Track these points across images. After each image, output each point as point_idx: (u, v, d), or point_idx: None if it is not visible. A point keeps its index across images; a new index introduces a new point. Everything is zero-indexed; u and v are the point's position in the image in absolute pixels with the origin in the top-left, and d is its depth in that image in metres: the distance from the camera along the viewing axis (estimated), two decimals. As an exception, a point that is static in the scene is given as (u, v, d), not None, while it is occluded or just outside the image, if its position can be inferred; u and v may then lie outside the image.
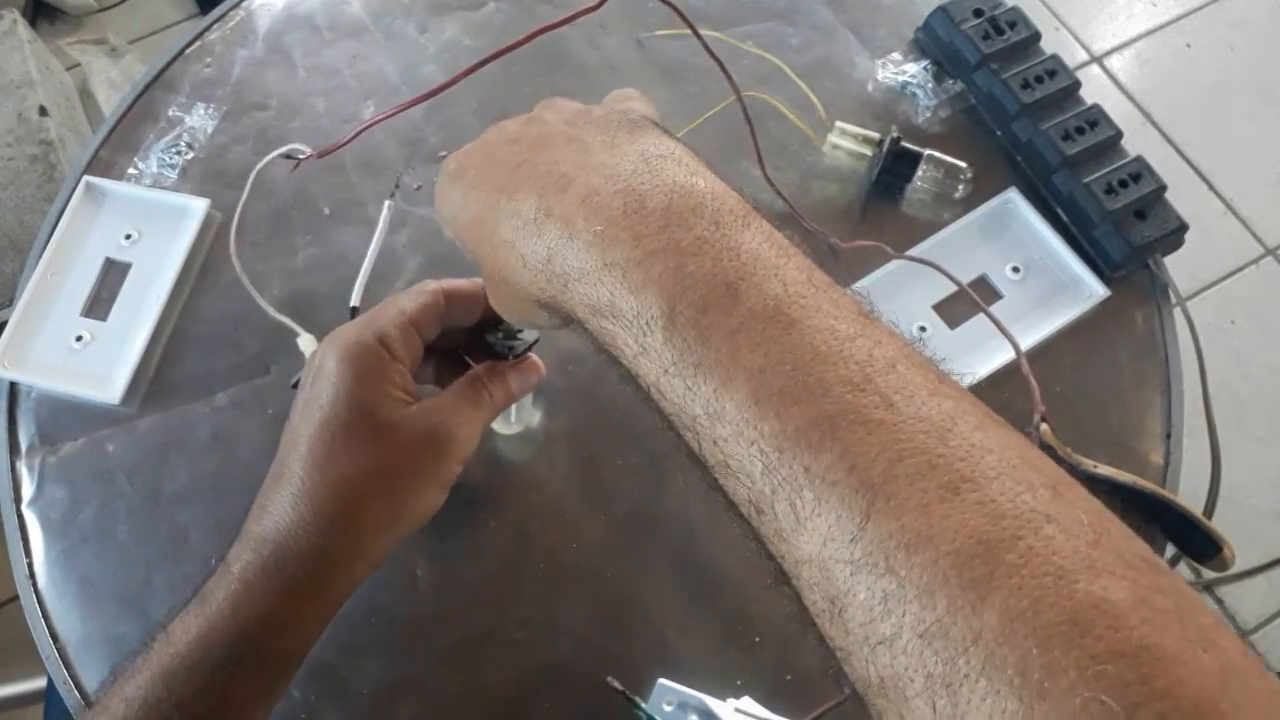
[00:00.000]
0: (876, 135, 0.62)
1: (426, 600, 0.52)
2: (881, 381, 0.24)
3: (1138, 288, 0.61)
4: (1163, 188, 0.60)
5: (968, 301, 0.56)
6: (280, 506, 0.38)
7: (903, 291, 0.59)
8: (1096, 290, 0.59)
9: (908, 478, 0.22)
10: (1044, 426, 0.50)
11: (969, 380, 0.55)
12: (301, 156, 0.55)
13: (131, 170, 0.63)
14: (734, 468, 0.25)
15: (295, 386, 0.42)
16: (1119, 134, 0.61)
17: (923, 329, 0.58)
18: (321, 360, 0.40)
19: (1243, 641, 0.21)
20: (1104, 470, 0.51)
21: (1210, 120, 1.57)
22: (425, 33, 0.68)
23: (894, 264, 0.59)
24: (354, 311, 0.50)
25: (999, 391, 0.55)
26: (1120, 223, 0.58)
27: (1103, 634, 0.19)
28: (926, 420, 0.23)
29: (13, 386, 0.57)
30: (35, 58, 1.29)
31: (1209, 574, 1.21)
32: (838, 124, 0.63)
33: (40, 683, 0.94)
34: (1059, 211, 0.62)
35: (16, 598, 0.52)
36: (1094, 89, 1.56)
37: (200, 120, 0.65)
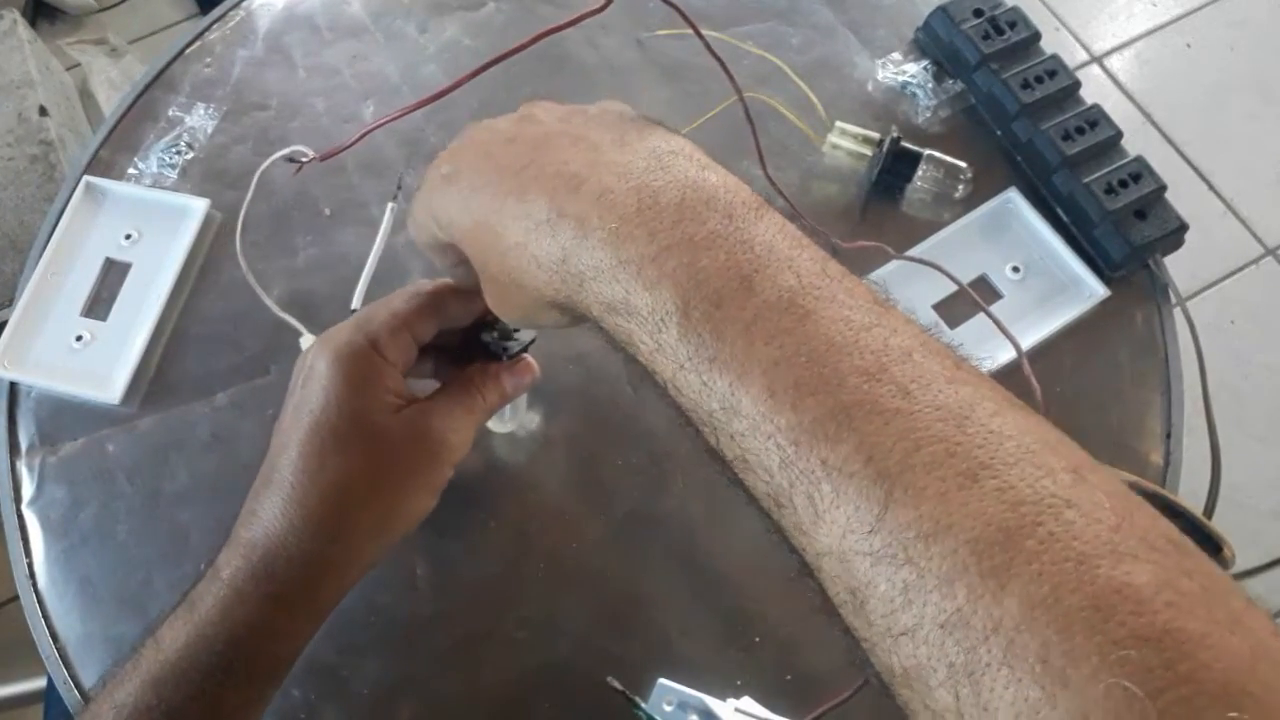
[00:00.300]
0: (876, 135, 0.62)
1: (426, 600, 0.52)
2: (898, 370, 0.24)
3: (1138, 288, 0.61)
4: (1163, 188, 0.60)
5: (968, 301, 0.56)
6: (270, 512, 0.38)
7: (903, 291, 0.58)
8: (1096, 290, 0.59)
9: (925, 466, 0.22)
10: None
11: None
12: (304, 159, 0.55)
13: (131, 170, 0.63)
14: (752, 462, 0.25)
15: None
16: (1119, 134, 0.61)
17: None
18: (312, 362, 0.40)
19: (1275, 622, 0.21)
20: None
21: (1210, 120, 1.57)
22: (425, 33, 0.68)
23: (894, 264, 0.59)
24: (354, 314, 0.50)
25: (999, 391, 0.55)
26: (1120, 223, 0.58)
27: (1125, 619, 0.19)
28: (944, 408, 0.23)
29: (13, 386, 0.57)
30: (35, 58, 1.29)
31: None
32: (838, 124, 0.63)
33: (40, 683, 0.94)
34: (1059, 211, 0.62)
35: (16, 598, 0.52)
36: (1094, 89, 1.56)
37: (200, 120, 0.65)
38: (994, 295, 0.59)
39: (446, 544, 0.53)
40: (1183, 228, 0.59)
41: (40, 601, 0.52)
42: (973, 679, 0.20)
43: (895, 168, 0.61)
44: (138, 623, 0.51)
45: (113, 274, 0.60)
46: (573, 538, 0.53)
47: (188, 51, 0.67)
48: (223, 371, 0.57)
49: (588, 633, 0.51)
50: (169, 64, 0.67)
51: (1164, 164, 0.62)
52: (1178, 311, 0.60)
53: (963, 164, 0.61)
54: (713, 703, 0.46)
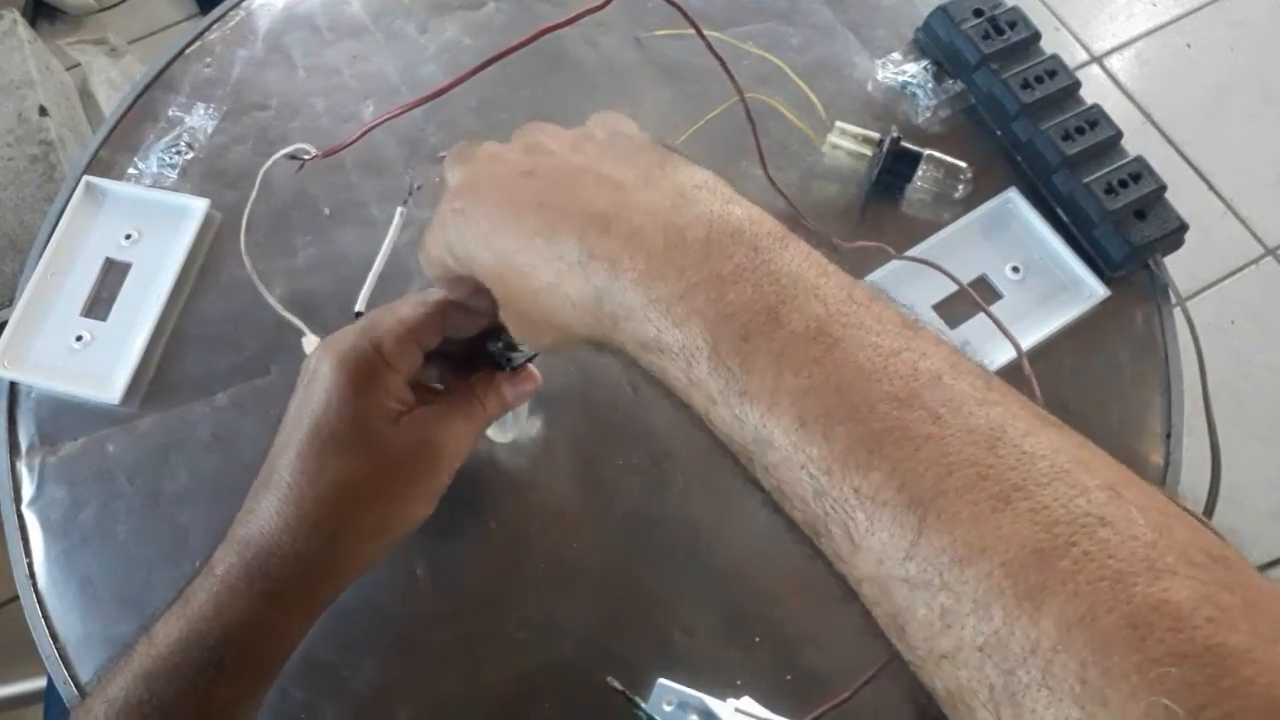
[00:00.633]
0: (876, 135, 0.62)
1: (426, 600, 0.52)
2: (928, 395, 0.24)
3: (1138, 288, 0.61)
4: (1163, 188, 0.60)
5: (968, 301, 0.56)
6: (267, 512, 0.38)
7: (903, 291, 0.58)
8: (1096, 290, 0.59)
9: (957, 491, 0.22)
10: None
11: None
12: (306, 157, 0.55)
13: (131, 170, 0.63)
14: (787, 493, 0.25)
15: None
16: (1119, 134, 0.61)
17: (923, 329, 0.58)
18: (317, 365, 0.40)
19: None
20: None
21: (1210, 120, 1.57)
22: (425, 33, 0.68)
23: (894, 264, 0.59)
24: (358, 316, 0.50)
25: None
26: (1120, 223, 0.58)
27: (1164, 636, 0.19)
28: (975, 431, 0.23)
29: (13, 386, 0.57)
30: (35, 58, 1.29)
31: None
32: (838, 124, 0.63)
33: (40, 683, 0.94)
34: (1059, 211, 0.62)
35: (16, 598, 0.52)
36: (1094, 89, 1.56)
37: (200, 120, 0.65)
38: (994, 295, 0.59)
39: (447, 544, 0.53)
40: (1183, 228, 0.59)
41: (40, 601, 0.52)
42: (1013, 700, 0.20)
43: (895, 167, 0.61)
44: (138, 623, 0.50)
45: (113, 274, 0.60)
46: (573, 538, 0.53)
47: (188, 51, 0.67)
48: (223, 371, 0.57)
49: (588, 633, 0.51)
50: (169, 64, 0.67)
51: (1164, 164, 0.62)
52: (1178, 311, 0.60)
53: (963, 164, 0.61)
54: (713, 703, 0.46)
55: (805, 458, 0.24)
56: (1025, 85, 0.62)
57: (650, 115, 0.65)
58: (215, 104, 0.65)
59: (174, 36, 1.06)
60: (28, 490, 0.55)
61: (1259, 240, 1.48)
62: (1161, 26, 1.66)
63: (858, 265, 0.59)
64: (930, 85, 0.65)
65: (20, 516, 0.54)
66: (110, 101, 1.37)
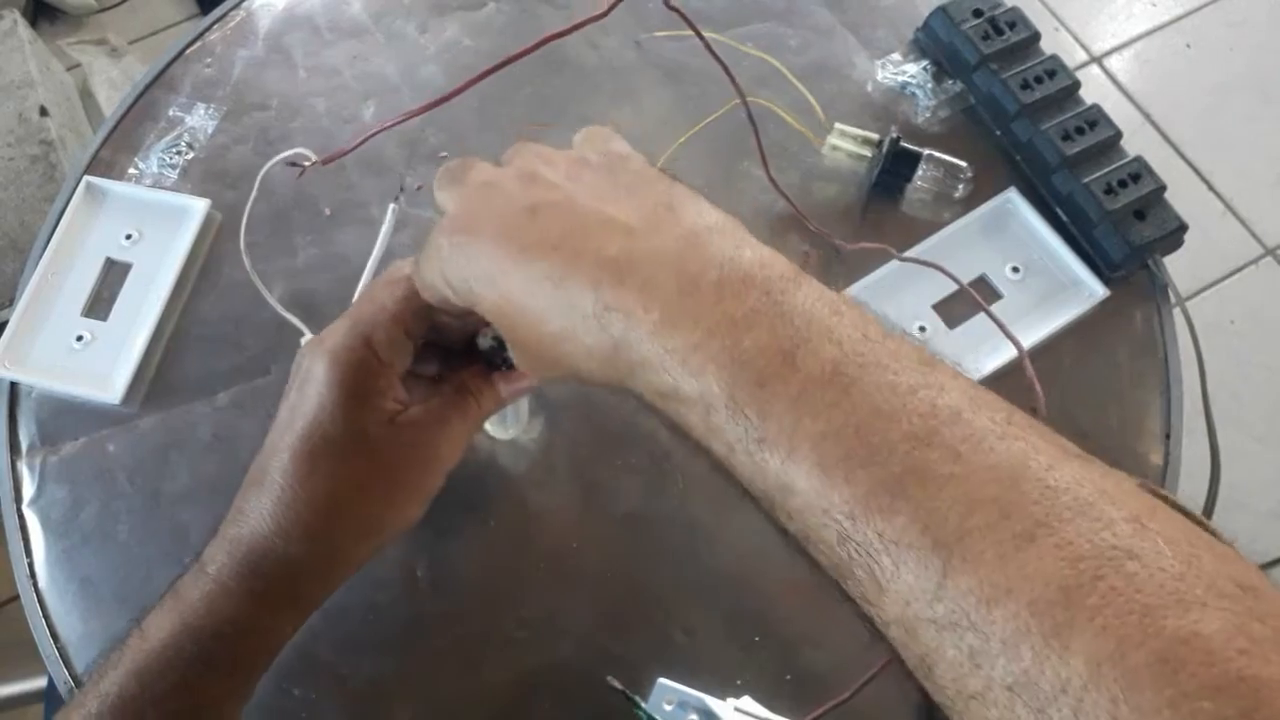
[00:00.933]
0: (875, 136, 0.62)
1: (426, 600, 0.52)
2: (947, 432, 0.24)
3: (1137, 288, 0.61)
4: (1162, 188, 0.60)
5: (968, 301, 0.56)
6: (258, 513, 0.38)
7: (903, 291, 0.59)
8: (1096, 290, 0.59)
9: (981, 530, 0.22)
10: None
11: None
12: (306, 164, 0.55)
13: (132, 170, 0.63)
14: (811, 538, 0.25)
15: None
16: (1119, 134, 0.61)
17: (922, 329, 0.58)
18: (310, 365, 0.40)
19: None
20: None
21: (1210, 120, 1.57)
22: (425, 33, 0.68)
23: (894, 264, 0.59)
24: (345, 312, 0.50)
25: (997, 392, 0.55)
26: (1120, 223, 0.59)
27: (1196, 670, 0.19)
28: (996, 467, 0.23)
29: (13, 386, 0.57)
30: (35, 58, 1.30)
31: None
32: (837, 125, 0.63)
33: (40, 683, 0.94)
34: (1059, 211, 0.62)
35: (17, 598, 0.52)
36: (1094, 89, 1.56)
37: (201, 120, 0.65)
38: (994, 295, 0.59)
39: (446, 544, 0.53)
40: (1182, 228, 0.59)
41: (41, 601, 0.52)
42: None
43: (895, 167, 0.61)
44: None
45: (113, 274, 0.60)
46: (573, 538, 0.53)
47: (188, 52, 0.67)
48: (223, 371, 0.57)
49: (588, 632, 0.51)
50: (169, 64, 0.67)
51: (1164, 164, 0.62)
52: (1177, 312, 0.60)
53: (963, 164, 0.61)
54: (713, 703, 0.46)
55: (827, 503, 0.24)
56: (1025, 85, 0.62)
57: (650, 116, 0.65)
58: (216, 104, 0.65)
59: (174, 36, 1.06)
60: (28, 490, 0.55)
61: (1259, 240, 1.48)
62: (1161, 27, 1.66)
63: (858, 265, 0.59)
64: (930, 85, 0.65)
65: (21, 516, 0.54)
66: (111, 101, 1.37)
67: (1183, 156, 1.54)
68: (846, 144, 0.63)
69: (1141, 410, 0.58)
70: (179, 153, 0.63)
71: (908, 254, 0.58)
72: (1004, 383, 0.55)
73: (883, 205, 0.62)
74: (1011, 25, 0.64)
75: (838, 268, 0.59)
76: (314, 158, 0.54)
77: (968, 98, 0.65)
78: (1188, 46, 1.64)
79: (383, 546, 0.41)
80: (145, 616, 0.39)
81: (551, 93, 0.66)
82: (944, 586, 0.22)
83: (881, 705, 0.49)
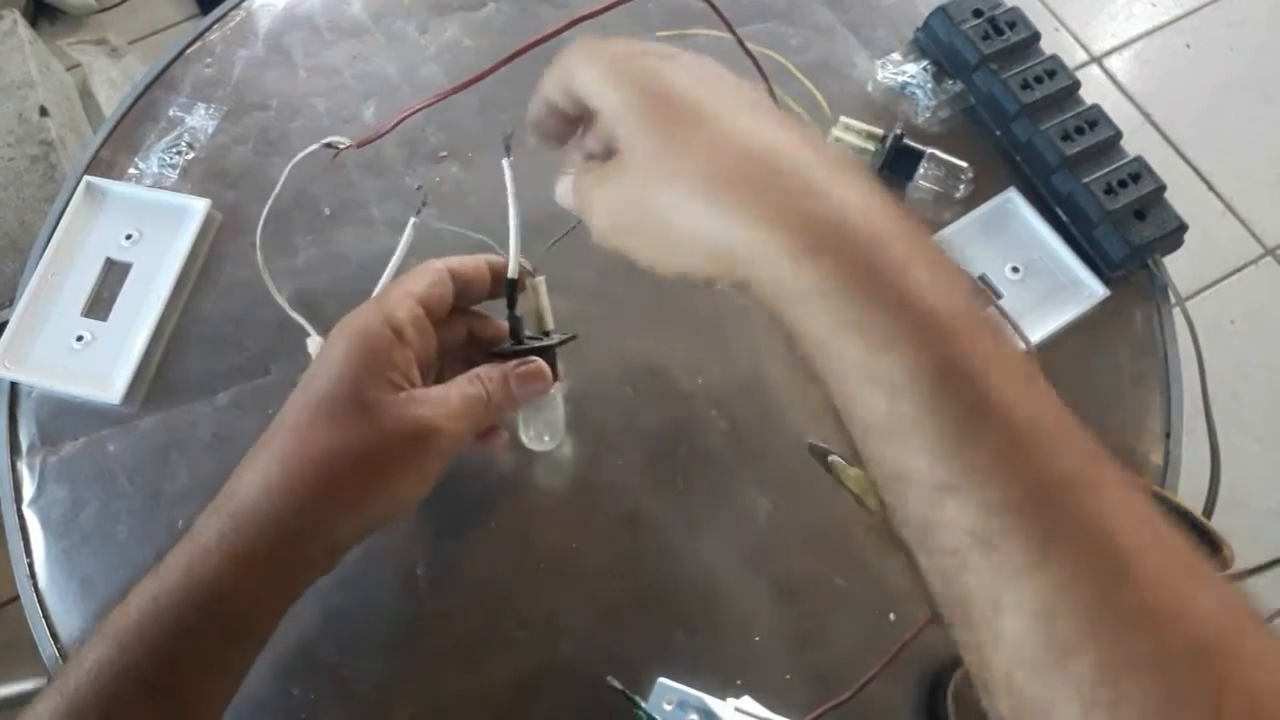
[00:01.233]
0: (880, 131, 0.62)
1: (426, 600, 0.52)
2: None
3: (1137, 288, 0.61)
4: (1162, 188, 0.60)
5: (968, 301, 0.56)
6: (251, 470, 0.39)
7: (903, 291, 0.59)
8: (1096, 290, 0.59)
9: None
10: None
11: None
12: (341, 147, 0.56)
13: (132, 170, 0.63)
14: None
15: None
16: (1118, 134, 0.61)
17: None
18: (330, 339, 0.41)
19: None
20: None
21: (1210, 120, 1.57)
22: (426, 33, 0.68)
23: (894, 264, 0.59)
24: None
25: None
26: (1120, 223, 0.59)
27: None
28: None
29: (13, 386, 0.57)
30: (36, 58, 1.30)
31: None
32: (841, 119, 0.63)
33: (40, 682, 0.93)
34: (1059, 211, 0.62)
35: (17, 598, 0.52)
36: (1094, 89, 1.57)
37: (201, 120, 0.65)
38: (994, 295, 0.59)
39: (446, 544, 0.53)
40: (1182, 228, 0.59)
41: (41, 601, 0.52)
42: None
43: (897, 165, 0.61)
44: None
45: (113, 274, 0.60)
46: (573, 538, 0.53)
47: (188, 52, 0.67)
48: (224, 371, 0.57)
49: (588, 633, 0.51)
50: (169, 64, 0.67)
51: (1164, 164, 0.62)
52: (1177, 311, 0.60)
53: (964, 164, 0.61)
54: (713, 702, 0.46)
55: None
56: (1025, 85, 0.62)
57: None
58: (216, 104, 0.65)
59: (174, 36, 1.06)
60: (28, 490, 0.55)
61: (1258, 240, 1.48)
62: (1161, 27, 1.66)
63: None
64: (930, 85, 0.65)
65: (21, 516, 0.54)
66: (111, 101, 1.37)
67: (1183, 156, 1.54)
68: (851, 137, 0.62)
69: (1141, 410, 0.58)
70: (179, 153, 0.63)
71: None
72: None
73: (883, 205, 0.62)
74: (1011, 25, 0.64)
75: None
76: (348, 142, 0.55)
77: (968, 98, 0.65)
78: (1188, 46, 1.64)
79: (370, 529, 0.41)
80: (131, 587, 0.38)
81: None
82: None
83: (881, 705, 0.49)
